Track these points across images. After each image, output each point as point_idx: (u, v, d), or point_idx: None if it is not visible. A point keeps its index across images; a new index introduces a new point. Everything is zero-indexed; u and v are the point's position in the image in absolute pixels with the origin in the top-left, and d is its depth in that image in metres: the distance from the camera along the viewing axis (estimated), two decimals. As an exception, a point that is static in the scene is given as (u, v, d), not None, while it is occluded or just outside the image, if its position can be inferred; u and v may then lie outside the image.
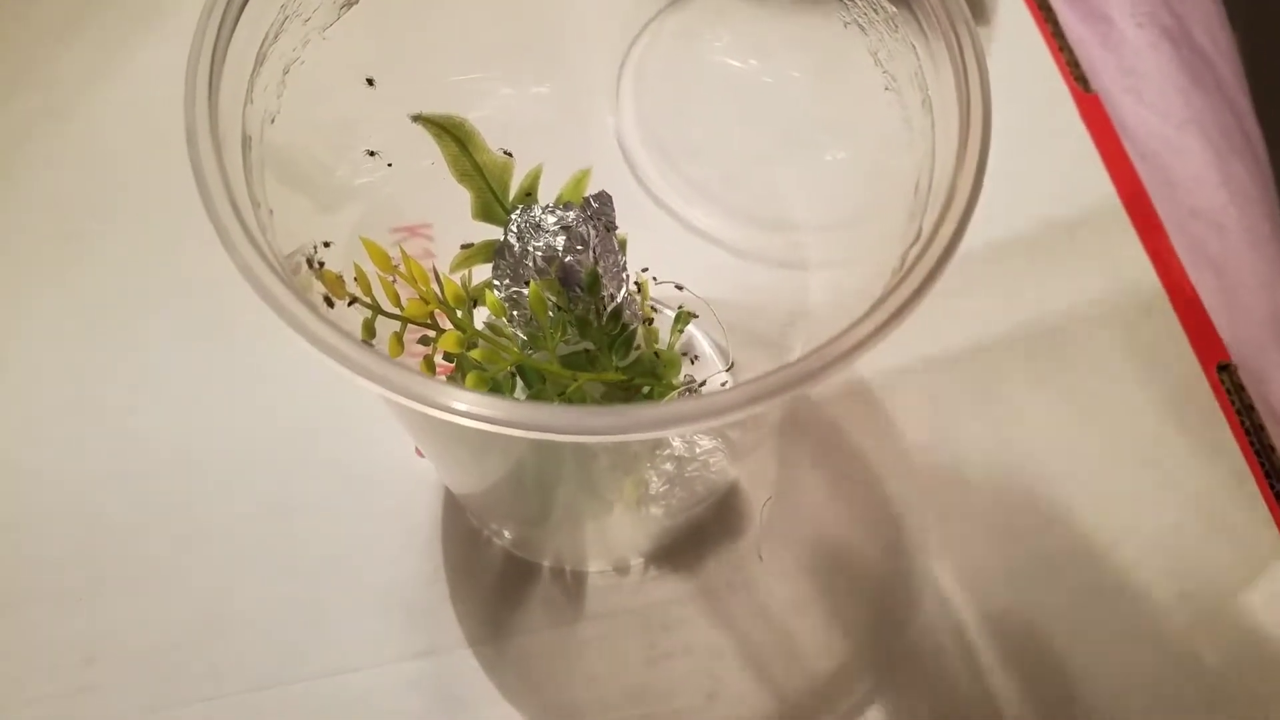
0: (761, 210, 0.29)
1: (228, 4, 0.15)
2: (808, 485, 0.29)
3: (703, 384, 0.26)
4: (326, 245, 0.17)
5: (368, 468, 0.28)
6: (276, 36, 0.16)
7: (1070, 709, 0.26)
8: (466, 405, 0.13)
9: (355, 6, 0.18)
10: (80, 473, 0.28)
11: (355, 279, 0.18)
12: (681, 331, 0.26)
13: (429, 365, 0.21)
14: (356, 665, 0.26)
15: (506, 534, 0.27)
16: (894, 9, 0.18)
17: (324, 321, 0.12)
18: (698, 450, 0.26)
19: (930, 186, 0.18)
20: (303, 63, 0.17)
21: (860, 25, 0.19)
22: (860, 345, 0.14)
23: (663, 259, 0.26)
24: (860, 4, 0.18)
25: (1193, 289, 0.33)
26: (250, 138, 0.15)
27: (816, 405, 0.30)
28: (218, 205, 0.13)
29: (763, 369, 0.14)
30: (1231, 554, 0.29)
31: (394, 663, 0.26)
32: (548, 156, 0.23)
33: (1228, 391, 0.31)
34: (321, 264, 0.17)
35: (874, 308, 0.14)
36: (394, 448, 0.28)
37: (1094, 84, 0.37)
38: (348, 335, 0.13)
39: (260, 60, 0.16)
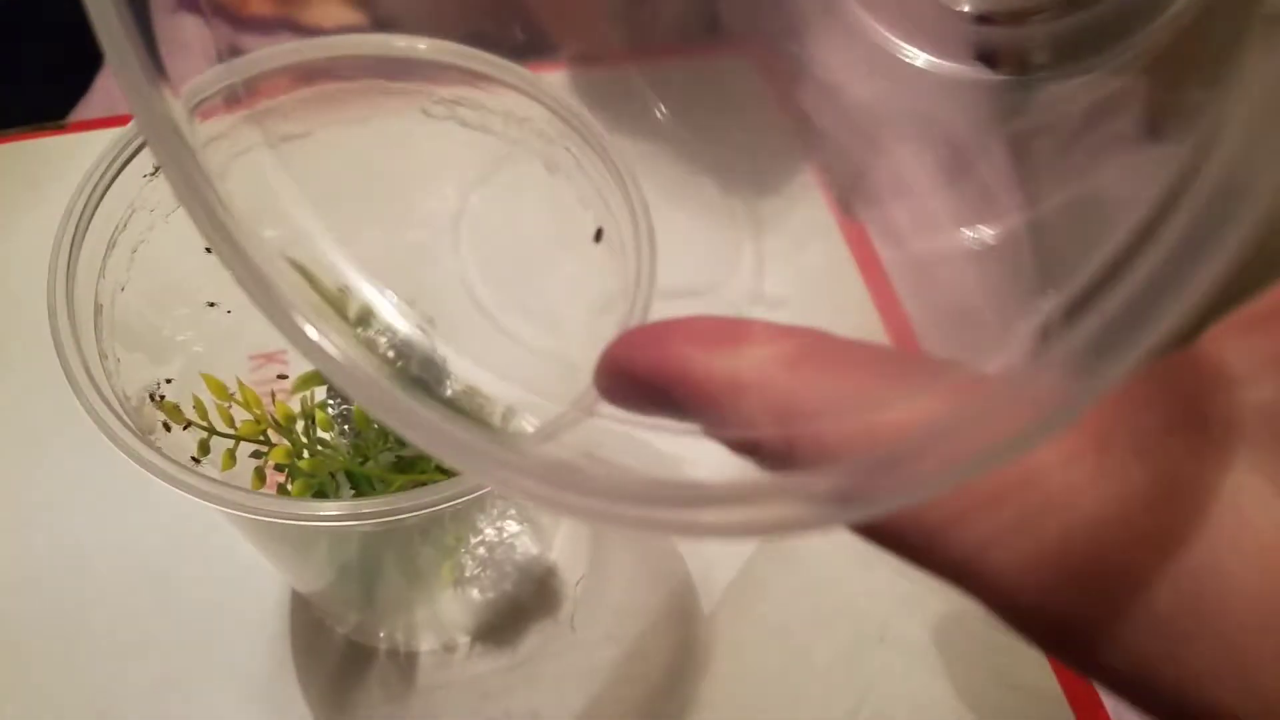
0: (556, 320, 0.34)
1: (85, 203, 0.20)
2: (616, 564, 0.34)
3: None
4: (168, 381, 0.22)
5: (226, 568, 0.32)
6: (125, 225, 0.21)
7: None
8: (250, 504, 0.17)
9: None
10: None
11: (194, 407, 0.23)
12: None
13: (260, 476, 0.26)
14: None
15: (347, 621, 0.31)
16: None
17: (149, 446, 0.17)
18: (505, 535, 0.30)
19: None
20: (147, 242, 0.22)
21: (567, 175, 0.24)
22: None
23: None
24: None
25: None
26: (102, 305, 0.20)
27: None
28: (70, 361, 0.18)
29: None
30: None
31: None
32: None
33: None
34: (162, 397, 0.21)
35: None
36: (247, 552, 0.32)
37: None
38: (166, 456, 0.17)
39: (111, 244, 0.21)
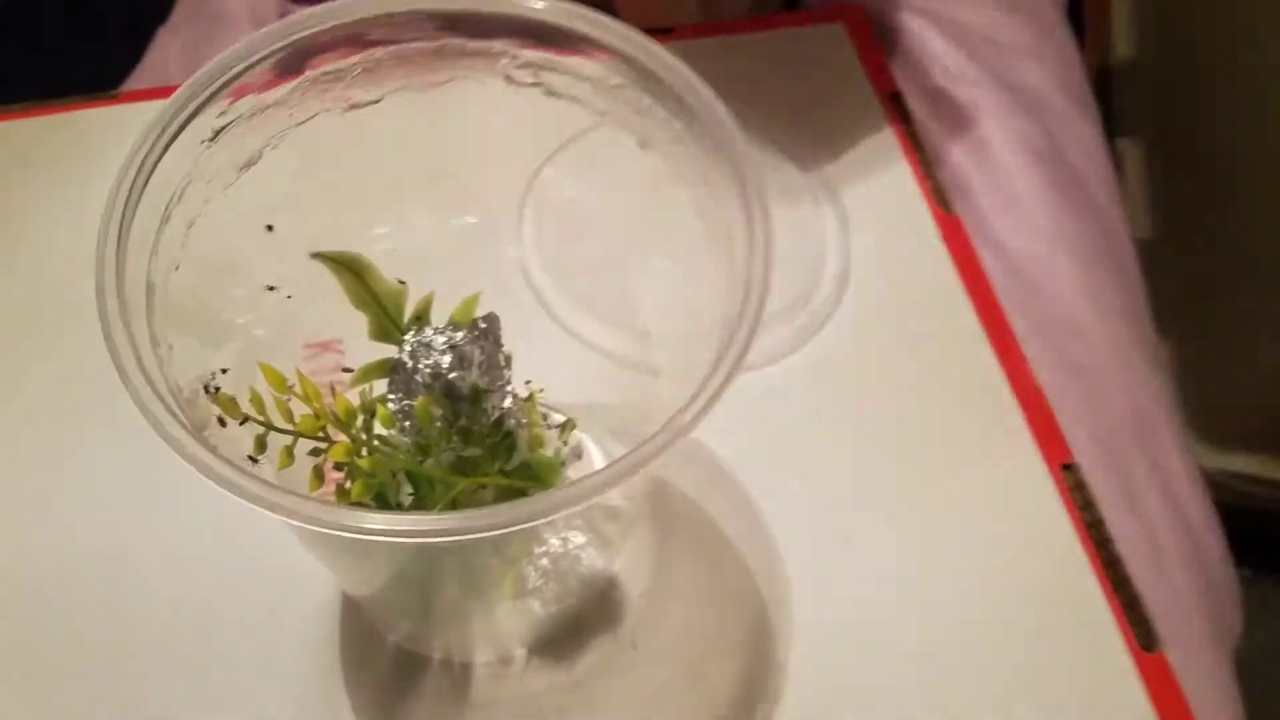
0: (638, 322, 0.32)
1: (137, 171, 0.18)
2: (682, 577, 0.32)
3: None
4: (224, 371, 0.20)
5: (274, 570, 0.30)
6: (180, 196, 0.19)
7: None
8: (312, 513, 0.15)
9: (255, 166, 0.21)
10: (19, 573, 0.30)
11: (250, 400, 0.21)
12: (565, 442, 0.29)
13: (318, 475, 0.24)
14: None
15: (399, 629, 0.29)
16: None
17: (203, 445, 0.15)
18: (570, 546, 0.28)
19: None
20: (204, 216, 0.20)
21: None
22: (641, 462, 0.17)
23: (556, 369, 0.29)
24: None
25: (1044, 399, 0.36)
26: (154, 285, 0.18)
27: (693, 501, 0.33)
28: (120, 348, 0.16)
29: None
30: (1070, 646, 0.31)
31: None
32: (452, 281, 0.26)
33: (1069, 489, 0.34)
34: (217, 389, 0.19)
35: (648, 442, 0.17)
36: (296, 554, 0.30)
37: (968, 203, 0.41)
38: (222, 458, 0.15)
39: (165, 218, 0.19)
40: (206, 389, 0.19)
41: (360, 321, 0.26)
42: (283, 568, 0.30)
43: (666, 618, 0.31)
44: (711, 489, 0.33)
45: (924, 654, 0.31)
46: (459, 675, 0.29)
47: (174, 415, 0.15)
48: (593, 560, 0.29)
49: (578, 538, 0.28)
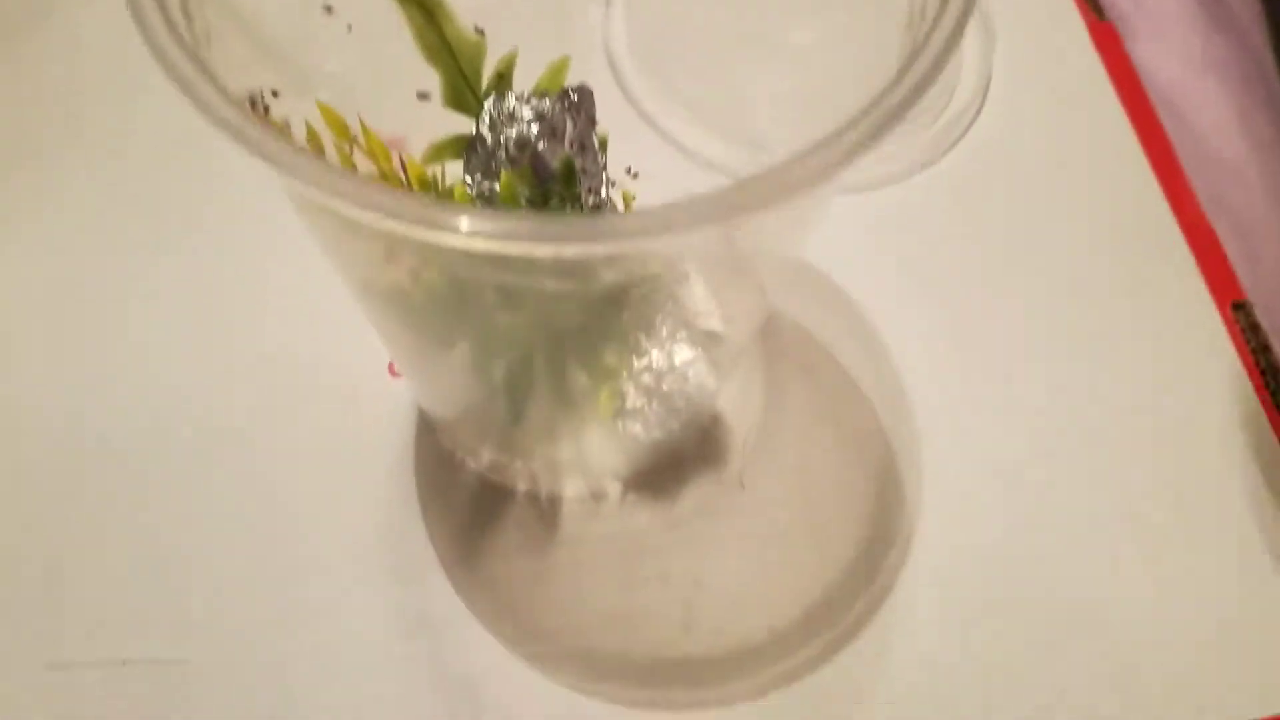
0: (749, 130, 0.28)
1: None
2: (794, 414, 0.28)
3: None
4: (275, 94, 0.16)
5: (340, 389, 0.27)
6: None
7: (1058, 651, 0.25)
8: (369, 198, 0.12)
9: None
10: (56, 387, 0.27)
11: (307, 138, 0.17)
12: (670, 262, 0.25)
13: (390, 253, 0.20)
14: (323, 585, 0.25)
15: (481, 456, 0.26)
16: None
17: (218, 93, 0.12)
18: (677, 361, 0.25)
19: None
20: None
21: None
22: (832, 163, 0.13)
23: (642, 174, 0.25)
24: None
25: (1209, 226, 0.31)
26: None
27: (806, 332, 0.29)
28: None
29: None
30: (1241, 489, 0.27)
31: (362, 582, 0.25)
32: (523, 46, 0.22)
33: (1242, 330, 0.30)
34: (267, 108, 0.16)
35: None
36: (368, 369, 0.28)
37: (1112, 18, 0.36)
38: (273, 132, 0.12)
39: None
40: (253, 103, 0.15)
41: (425, 118, 0.23)
42: (348, 389, 0.27)
43: (779, 458, 0.28)
44: (828, 322, 0.30)
45: (1075, 511, 0.27)
46: (546, 509, 0.26)
47: (206, 76, 0.12)
48: (701, 379, 0.25)
49: (684, 352, 0.25)
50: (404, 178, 0.20)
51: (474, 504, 0.26)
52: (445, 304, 0.21)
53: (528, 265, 0.15)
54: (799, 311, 0.30)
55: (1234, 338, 0.30)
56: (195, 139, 0.30)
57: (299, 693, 0.24)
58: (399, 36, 0.21)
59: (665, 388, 0.25)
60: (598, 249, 0.13)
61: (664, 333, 0.25)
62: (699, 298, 0.26)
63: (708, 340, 0.26)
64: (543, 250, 0.13)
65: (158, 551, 0.25)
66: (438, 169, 0.23)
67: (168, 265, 0.29)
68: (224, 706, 0.24)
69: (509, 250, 0.13)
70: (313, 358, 0.28)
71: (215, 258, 0.29)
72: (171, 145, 0.31)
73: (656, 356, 0.25)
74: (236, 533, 0.26)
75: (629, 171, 0.24)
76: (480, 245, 0.13)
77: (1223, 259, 0.31)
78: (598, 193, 0.23)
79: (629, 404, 0.24)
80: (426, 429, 0.27)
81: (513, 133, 0.21)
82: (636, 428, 0.25)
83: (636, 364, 0.24)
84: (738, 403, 0.28)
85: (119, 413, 0.27)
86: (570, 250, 0.13)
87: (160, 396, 0.27)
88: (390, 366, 0.28)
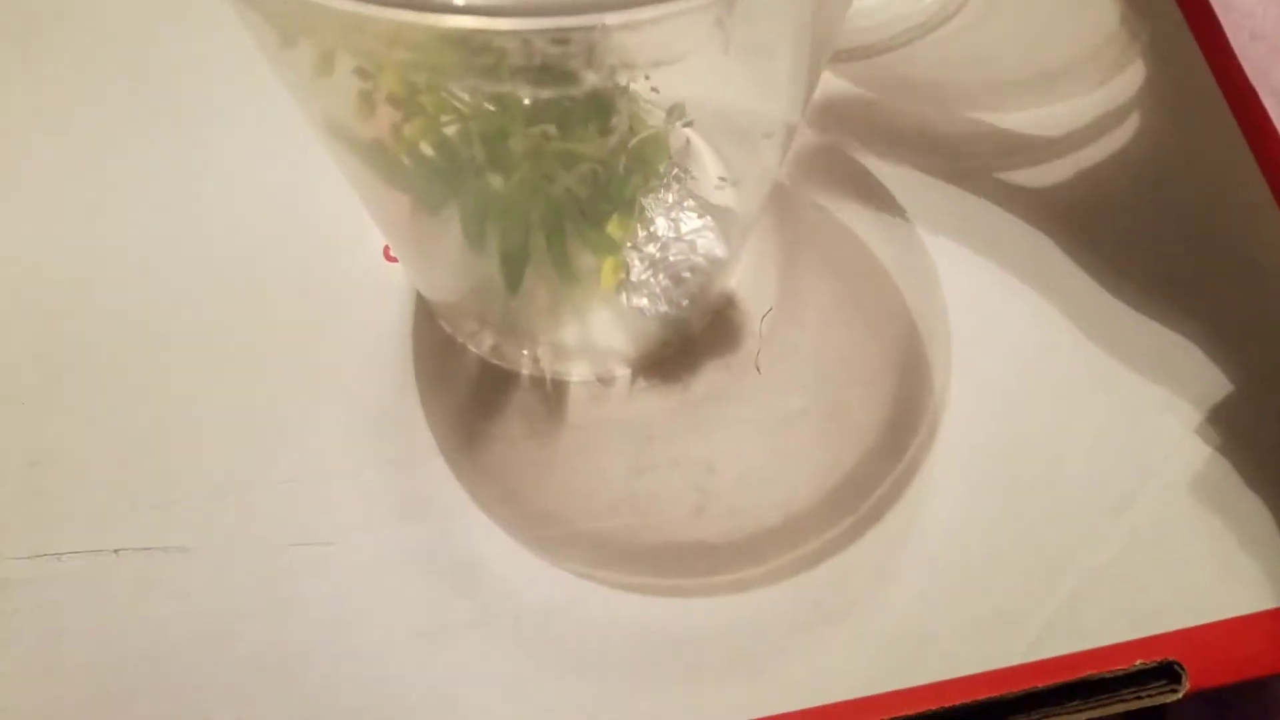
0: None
1: None
2: (814, 296, 0.27)
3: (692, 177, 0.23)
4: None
5: (335, 274, 0.26)
6: None
7: (1087, 532, 0.24)
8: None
9: None
10: (39, 272, 0.26)
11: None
12: (677, 124, 0.24)
13: (366, 102, 0.19)
14: (319, 472, 0.24)
15: (482, 340, 0.25)
16: None
17: None
18: (684, 229, 0.23)
19: None
20: None
21: None
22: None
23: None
24: None
25: (1258, 99, 0.29)
26: None
27: (824, 210, 0.28)
28: None
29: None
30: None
31: (361, 470, 0.24)
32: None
33: None
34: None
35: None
36: (362, 253, 0.26)
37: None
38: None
39: None
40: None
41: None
42: (343, 274, 0.26)
43: (797, 341, 0.26)
44: (848, 203, 0.28)
45: (1105, 391, 0.25)
46: (551, 394, 0.25)
47: None
48: (710, 249, 0.23)
49: (691, 219, 0.23)
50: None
51: (475, 390, 0.25)
52: (431, 163, 0.20)
53: (502, 64, 0.14)
54: (818, 192, 0.28)
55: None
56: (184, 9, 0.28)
57: (299, 580, 0.23)
58: None
59: (671, 258, 0.23)
60: (584, 20, 0.11)
61: (669, 200, 0.23)
62: (705, 162, 0.24)
63: (715, 209, 0.24)
64: (534, 25, 0.11)
65: (153, 440, 0.25)
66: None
67: (158, 146, 0.28)
68: (221, 594, 0.23)
69: (496, 28, 0.11)
70: (305, 243, 0.27)
71: (207, 139, 0.28)
72: (159, 18, 0.30)
73: (662, 225, 0.23)
74: (232, 421, 0.25)
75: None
76: (469, 24, 0.11)
77: (1273, 132, 0.29)
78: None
79: (634, 276, 0.23)
80: (426, 315, 0.26)
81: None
82: (642, 301, 0.23)
83: (641, 233, 0.23)
84: (753, 284, 0.27)
85: (111, 296, 0.26)
86: (559, 23, 0.11)
87: (153, 281, 0.26)
88: (385, 250, 0.26)
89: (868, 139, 0.29)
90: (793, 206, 0.28)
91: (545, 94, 0.15)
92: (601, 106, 0.22)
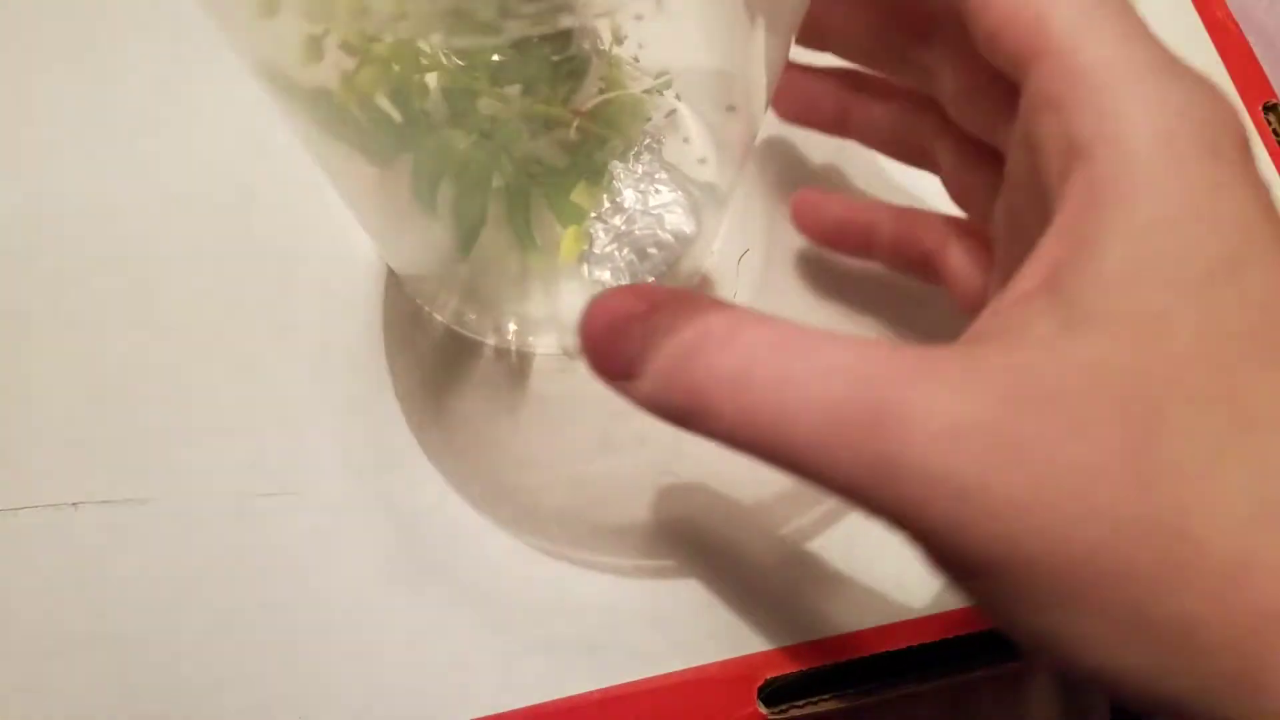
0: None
1: None
2: (796, 276, 0.26)
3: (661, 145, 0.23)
4: None
5: (304, 246, 0.26)
6: None
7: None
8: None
9: None
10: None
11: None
12: (660, 91, 0.23)
13: (313, 49, 0.19)
14: (283, 443, 0.24)
15: (444, 306, 0.25)
16: None
17: None
18: (651, 203, 0.23)
19: None
20: None
21: None
22: None
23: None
24: None
25: (1240, 31, 0.29)
26: None
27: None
28: None
29: None
30: None
31: (328, 439, 0.24)
32: None
33: (1274, 132, 0.27)
34: None
35: None
36: (332, 227, 0.26)
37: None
38: None
39: None
40: None
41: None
42: (311, 247, 0.26)
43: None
44: (849, 184, 0.27)
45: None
46: (516, 365, 0.25)
47: None
48: (678, 225, 0.23)
49: (663, 193, 0.23)
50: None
51: (440, 358, 0.25)
52: (384, 116, 0.20)
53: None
54: (813, 176, 0.27)
55: (1265, 139, 0.27)
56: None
57: (262, 533, 0.23)
58: None
59: (637, 231, 0.23)
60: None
61: (638, 171, 0.23)
62: (682, 132, 0.24)
63: (687, 182, 0.24)
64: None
65: (112, 393, 0.24)
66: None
67: (119, 100, 0.28)
68: (181, 547, 0.23)
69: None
70: (272, 201, 0.26)
71: (176, 92, 0.28)
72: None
73: (630, 196, 0.23)
74: (194, 382, 0.25)
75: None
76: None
77: (1252, 59, 0.29)
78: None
79: (596, 248, 0.22)
80: (394, 287, 0.26)
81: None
82: (604, 275, 0.23)
83: (606, 204, 0.22)
84: (730, 264, 0.26)
85: (68, 248, 0.26)
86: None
87: (114, 235, 0.26)
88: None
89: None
90: (783, 184, 0.27)
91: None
92: (575, 70, 0.21)
